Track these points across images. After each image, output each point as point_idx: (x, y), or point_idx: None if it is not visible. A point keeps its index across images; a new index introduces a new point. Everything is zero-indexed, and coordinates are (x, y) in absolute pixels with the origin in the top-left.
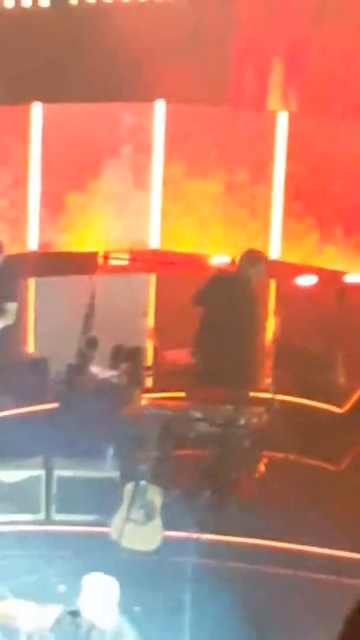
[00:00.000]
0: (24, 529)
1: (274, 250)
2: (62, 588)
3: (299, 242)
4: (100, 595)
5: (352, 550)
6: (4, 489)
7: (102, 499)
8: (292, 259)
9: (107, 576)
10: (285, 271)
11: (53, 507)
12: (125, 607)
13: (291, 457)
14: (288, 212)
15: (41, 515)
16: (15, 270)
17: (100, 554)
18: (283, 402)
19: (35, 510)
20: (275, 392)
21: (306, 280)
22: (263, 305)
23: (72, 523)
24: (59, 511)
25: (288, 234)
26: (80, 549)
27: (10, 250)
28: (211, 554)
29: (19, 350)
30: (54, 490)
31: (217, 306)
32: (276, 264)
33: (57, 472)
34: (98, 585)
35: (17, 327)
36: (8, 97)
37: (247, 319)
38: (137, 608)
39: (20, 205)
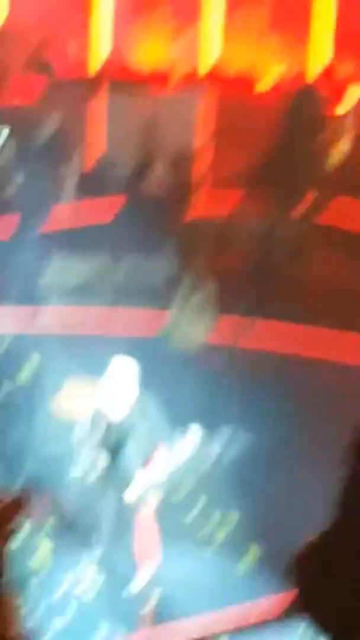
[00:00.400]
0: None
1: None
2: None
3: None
4: (121, 376)
5: None
6: (76, 278)
7: (160, 293)
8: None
9: (129, 358)
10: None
11: (118, 297)
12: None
13: (332, 258)
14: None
15: (107, 303)
16: None
17: (159, 341)
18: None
19: (102, 300)
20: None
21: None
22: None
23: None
24: (122, 301)
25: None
26: (142, 335)
27: (81, 71)
28: (259, 341)
29: (88, 161)
30: (119, 283)
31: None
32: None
33: (122, 268)
34: (120, 366)
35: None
36: None
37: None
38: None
39: (89, 30)
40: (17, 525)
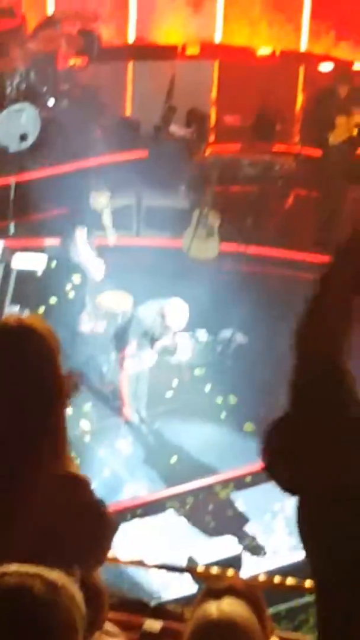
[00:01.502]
0: (120, 243)
1: (303, 44)
2: None
3: (321, 38)
4: (174, 315)
5: None
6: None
7: (176, 222)
8: (316, 51)
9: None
10: (311, 60)
11: (142, 226)
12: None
13: (313, 194)
14: (314, 15)
15: (133, 232)
16: None
17: (175, 261)
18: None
19: (129, 229)
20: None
21: (326, 67)
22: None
23: (155, 237)
24: (146, 229)
25: (313, 32)
26: (161, 257)
27: (116, 41)
28: (253, 262)
29: (119, 115)
30: (143, 214)
31: None
32: (304, 55)
33: (145, 202)
34: (176, 307)
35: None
36: None
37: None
38: (202, 330)
39: (122, 8)
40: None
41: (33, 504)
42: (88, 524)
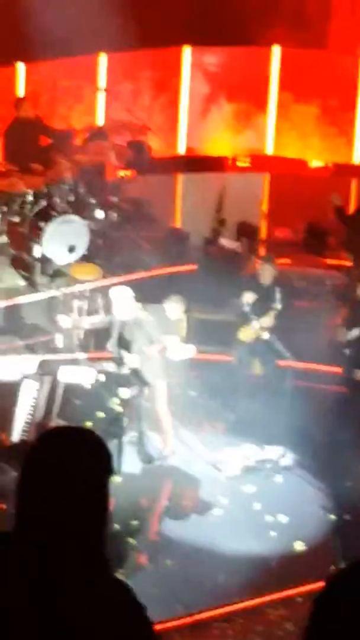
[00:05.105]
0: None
1: (356, 157)
2: None
3: None
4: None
5: None
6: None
7: (226, 335)
8: None
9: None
10: None
11: (191, 340)
12: None
13: None
14: None
15: None
16: None
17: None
18: None
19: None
20: None
21: None
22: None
23: (206, 352)
24: (195, 342)
25: None
26: (213, 370)
27: (165, 153)
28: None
29: (170, 226)
30: (192, 327)
31: None
32: (357, 167)
33: (195, 315)
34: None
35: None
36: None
37: None
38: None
39: (172, 120)
40: None
41: (83, 609)
42: (137, 631)
